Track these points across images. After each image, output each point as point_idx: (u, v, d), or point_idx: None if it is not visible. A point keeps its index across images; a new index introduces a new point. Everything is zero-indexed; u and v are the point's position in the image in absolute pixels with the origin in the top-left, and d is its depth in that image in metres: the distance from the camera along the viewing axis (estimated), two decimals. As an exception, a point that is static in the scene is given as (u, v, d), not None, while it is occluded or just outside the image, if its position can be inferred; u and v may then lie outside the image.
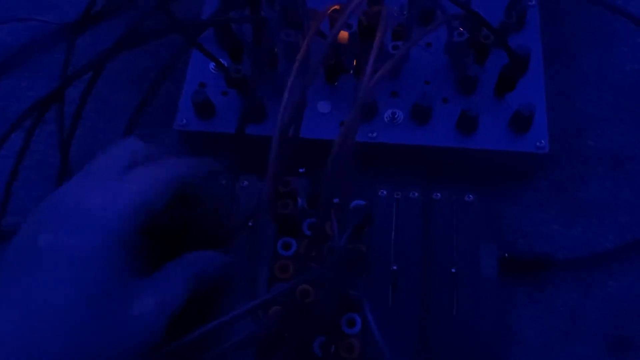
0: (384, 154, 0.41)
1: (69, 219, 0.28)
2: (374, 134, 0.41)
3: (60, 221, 0.28)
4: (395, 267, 0.36)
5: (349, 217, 0.33)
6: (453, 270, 0.36)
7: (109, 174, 0.30)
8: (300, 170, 0.40)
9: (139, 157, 0.32)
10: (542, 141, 0.40)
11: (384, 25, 0.33)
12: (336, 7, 0.39)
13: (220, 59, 0.42)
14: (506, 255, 0.38)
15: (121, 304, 0.27)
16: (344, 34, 0.41)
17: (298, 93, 0.32)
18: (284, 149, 0.31)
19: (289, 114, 0.31)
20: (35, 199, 0.44)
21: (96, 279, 0.26)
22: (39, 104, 0.37)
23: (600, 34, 0.48)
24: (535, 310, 0.38)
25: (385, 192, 0.38)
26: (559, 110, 0.44)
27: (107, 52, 0.36)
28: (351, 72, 0.43)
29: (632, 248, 0.40)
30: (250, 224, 0.38)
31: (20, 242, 0.28)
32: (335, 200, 0.33)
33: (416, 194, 0.38)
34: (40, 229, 0.27)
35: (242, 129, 0.31)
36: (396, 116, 0.41)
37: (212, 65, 0.44)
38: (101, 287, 0.26)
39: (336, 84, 0.43)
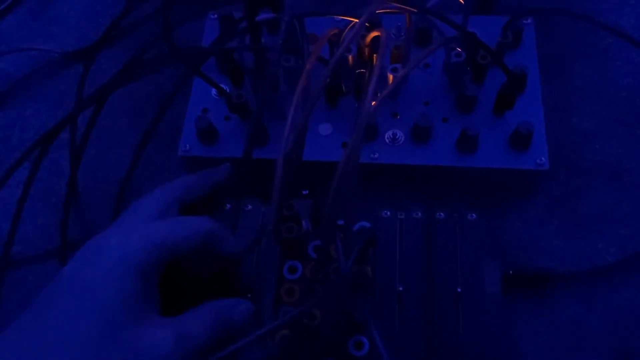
0: (386, 174, 0.42)
1: (92, 253, 0.30)
2: (376, 155, 0.41)
3: (85, 255, 0.30)
4: (401, 288, 0.36)
5: (353, 238, 0.33)
6: (458, 289, 0.36)
7: (136, 218, 0.33)
8: (304, 192, 0.40)
9: (170, 207, 0.34)
10: (542, 158, 0.40)
11: (384, 50, 0.33)
12: (335, 31, 0.39)
13: (222, 84, 0.43)
14: (510, 272, 0.38)
15: (137, 331, 0.28)
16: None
17: (301, 120, 0.32)
18: (288, 174, 0.32)
19: (292, 141, 0.32)
20: (40, 226, 0.45)
21: (110, 305, 0.28)
22: (44, 137, 0.37)
23: (594, 49, 0.48)
24: (539, 326, 0.39)
25: (388, 213, 0.39)
26: (556, 125, 0.44)
27: (110, 84, 0.36)
28: (351, 93, 0.44)
29: (634, 261, 0.40)
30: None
31: (55, 278, 0.30)
32: (340, 222, 0.34)
33: (419, 214, 0.39)
34: (69, 263, 0.30)
35: (249, 154, 0.32)
36: (397, 137, 0.42)
37: (214, 90, 0.44)
38: (114, 313, 0.28)
39: (336, 105, 0.44)
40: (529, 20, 0.46)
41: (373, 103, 0.29)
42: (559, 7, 0.49)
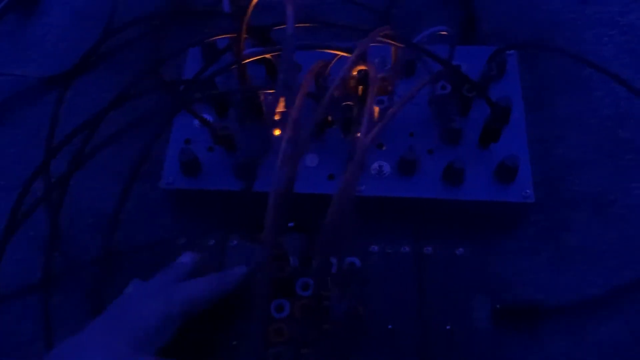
0: (373, 207, 0.41)
1: None
2: (362, 188, 0.41)
3: None
4: (390, 327, 0.35)
5: (345, 278, 0.33)
6: (448, 327, 0.36)
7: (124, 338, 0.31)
8: (289, 224, 0.40)
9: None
10: (528, 191, 0.40)
11: (374, 87, 0.33)
12: (322, 63, 0.39)
13: (205, 114, 0.42)
14: (498, 306, 0.38)
15: None
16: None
17: (292, 155, 0.32)
18: (280, 211, 0.31)
19: (285, 177, 0.31)
20: (18, 261, 0.43)
21: None
22: (26, 181, 0.36)
23: (575, 80, 0.49)
24: None
25: (376, 248, 0.38)
26: (540, 157, 0.45)
27: (97, 116, 0.35)
28: (336, 125, 0.43)
29: (619, 293, 0.40)
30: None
31: None
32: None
33: (407, 249, 0.38)
34: None
35: (249, 188, 0.31)
36: (383, 169, 0.42)
37: (196, 120, 0.44)
38: None
39: (322, 137, 0.43)
40: (512, 52, 0.46)
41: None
42: (540, 39, 0.50)
